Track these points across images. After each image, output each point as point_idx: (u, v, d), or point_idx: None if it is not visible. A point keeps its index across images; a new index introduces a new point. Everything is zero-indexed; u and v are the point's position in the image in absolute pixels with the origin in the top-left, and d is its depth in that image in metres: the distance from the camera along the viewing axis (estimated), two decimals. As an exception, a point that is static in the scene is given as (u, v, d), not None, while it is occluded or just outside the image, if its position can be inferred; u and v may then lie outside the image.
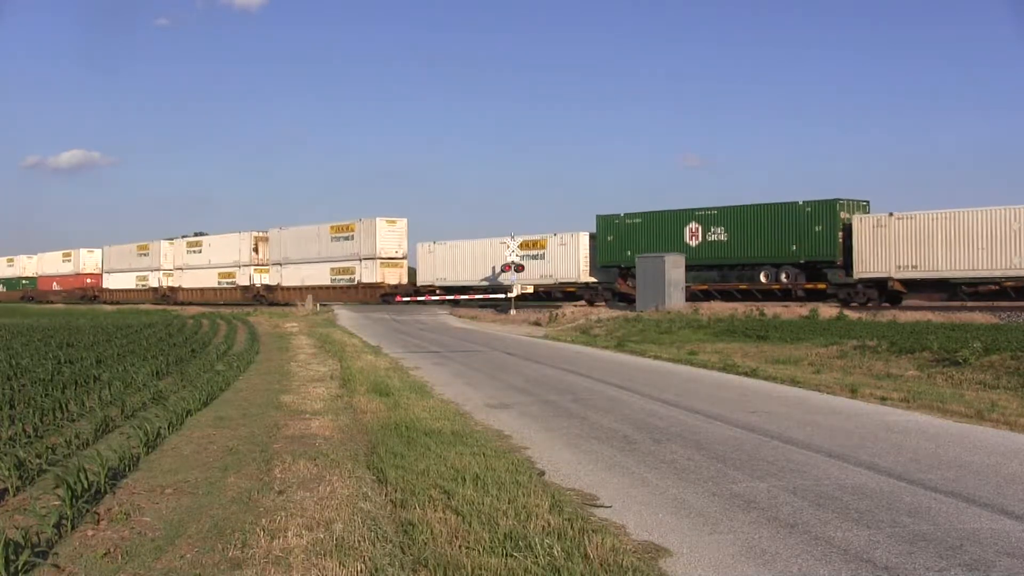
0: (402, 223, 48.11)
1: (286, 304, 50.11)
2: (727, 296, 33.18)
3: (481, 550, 5.17)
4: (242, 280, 56.73)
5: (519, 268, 38.32)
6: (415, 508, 6.08)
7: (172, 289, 63.15)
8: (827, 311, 26.99)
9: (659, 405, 11.54)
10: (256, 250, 56.32)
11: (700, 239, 34.08)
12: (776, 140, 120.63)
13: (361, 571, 4.76)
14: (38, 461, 7.13)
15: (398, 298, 46.15)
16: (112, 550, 5.11)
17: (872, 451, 8.32)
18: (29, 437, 8.30)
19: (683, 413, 10.79)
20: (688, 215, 34.60)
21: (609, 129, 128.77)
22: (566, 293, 40.18)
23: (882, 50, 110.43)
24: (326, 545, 5.14)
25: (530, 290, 41.41)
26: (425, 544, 5.29)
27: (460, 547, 5.24)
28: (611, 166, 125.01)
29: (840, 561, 5.14)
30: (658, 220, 35.76)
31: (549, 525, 5.62)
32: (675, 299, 31.19)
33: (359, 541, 5.22)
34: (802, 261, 31.40)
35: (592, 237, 38.57)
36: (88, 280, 72.66)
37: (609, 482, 7.18)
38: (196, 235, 62.59)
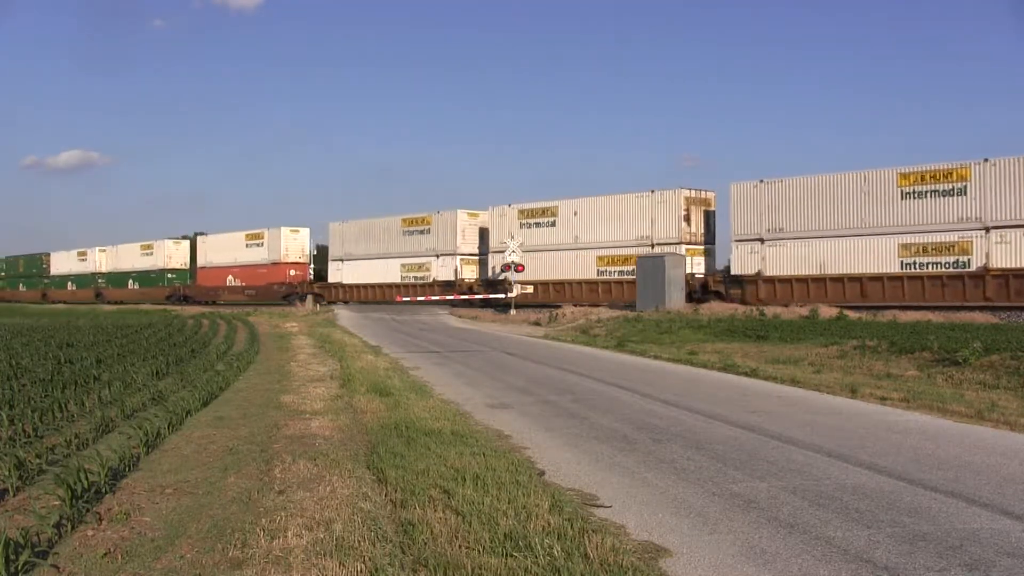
0: None
1: (776, 306, 28.32)
2: None
3: (481, 550, 5.17)
4: None
5: (519, 268, 38.14)
6: (415, 508, 6.07)
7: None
8: (827, 311, 26.96)
9: (659, 405, 11.54)
10: (687, 219, 34.35)
11: None
12: (774, 140, 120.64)
13: (361, 571, 4.76)
14: (38, 461, 7.14)
15: (398, 298, 44.65)
16: (112, 550, 5.11)
17: (872, 451, 8.32)
18: (29, 437, 8.32)
19: (683, 413, 10.79)
20: None
21: (608, 128, 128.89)
22: None
23: (882, 50, 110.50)
24: (326, 545, 5.14)
25: None
26: (425, 544, 5.29)
27: (460, 547, 5.24)
28: (608, 165, 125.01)
29: (840, 561, 5.14)
30: None
31: (549, 525, 5.62)
32: (675, 299, 31.17)
33: (359, 541, 5.21)
34: None
35: None
36: (292, 272, 50.84)
37: (609, 482, 7.18)
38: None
